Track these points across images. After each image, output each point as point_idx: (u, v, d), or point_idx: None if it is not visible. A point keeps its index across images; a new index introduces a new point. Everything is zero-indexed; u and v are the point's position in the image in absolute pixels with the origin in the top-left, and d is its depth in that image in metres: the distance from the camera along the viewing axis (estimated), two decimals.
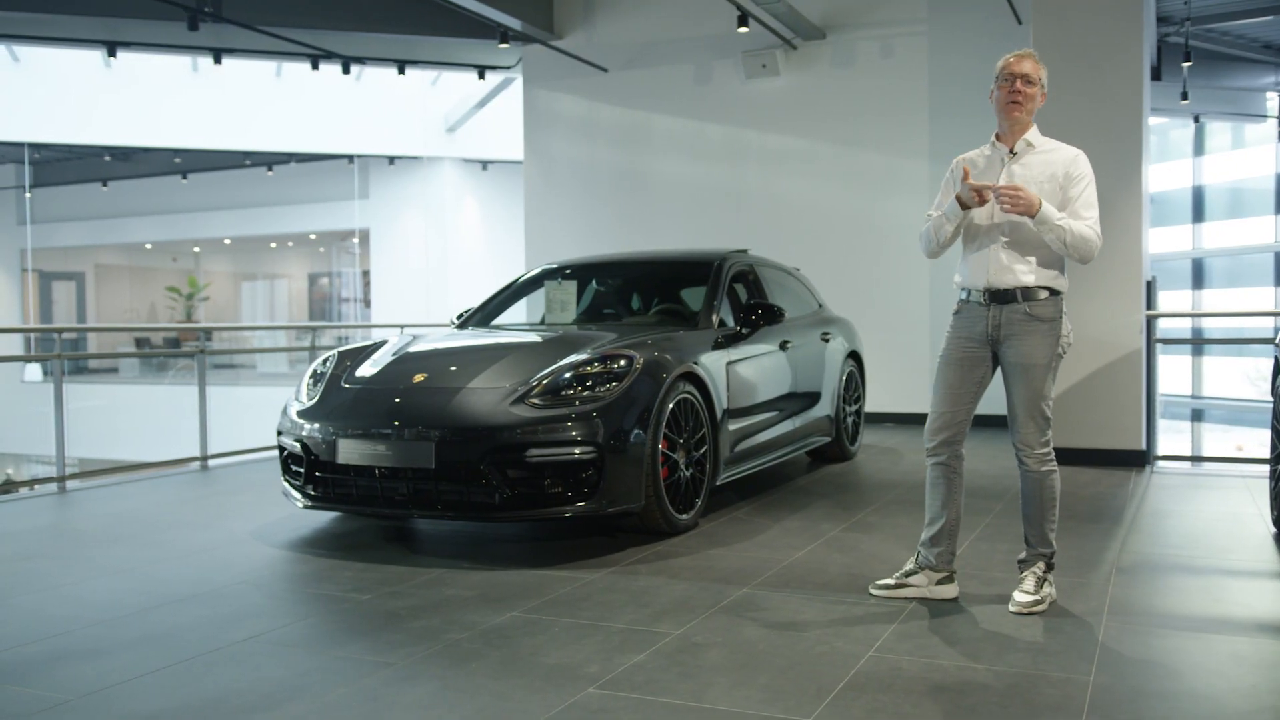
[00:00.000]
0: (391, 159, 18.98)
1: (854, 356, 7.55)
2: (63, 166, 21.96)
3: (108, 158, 19.71)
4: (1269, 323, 16.07)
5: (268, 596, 3.99)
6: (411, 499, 4.57)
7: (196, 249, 27.65)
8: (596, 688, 2.88)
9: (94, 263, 27.24)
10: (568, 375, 4.66)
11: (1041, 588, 3.64)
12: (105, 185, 21.76)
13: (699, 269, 6.26)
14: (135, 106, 16.55)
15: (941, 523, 3.78)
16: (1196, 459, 8.62)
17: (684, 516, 4.93)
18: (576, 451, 4.44)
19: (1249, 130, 16.51)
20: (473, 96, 16.94)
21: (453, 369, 4.93)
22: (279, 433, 5.16)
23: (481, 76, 12.20)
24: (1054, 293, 3.61)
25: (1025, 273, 3.61)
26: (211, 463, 7.80)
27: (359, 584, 4.08)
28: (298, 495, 4.95)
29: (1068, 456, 7.08)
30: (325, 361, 5.40)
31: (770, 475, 6.65)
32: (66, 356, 7.45)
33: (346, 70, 11.20)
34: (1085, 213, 3.55)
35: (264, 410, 12.51)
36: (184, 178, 20.90)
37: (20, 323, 23.08)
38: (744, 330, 5.81)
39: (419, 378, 4.87)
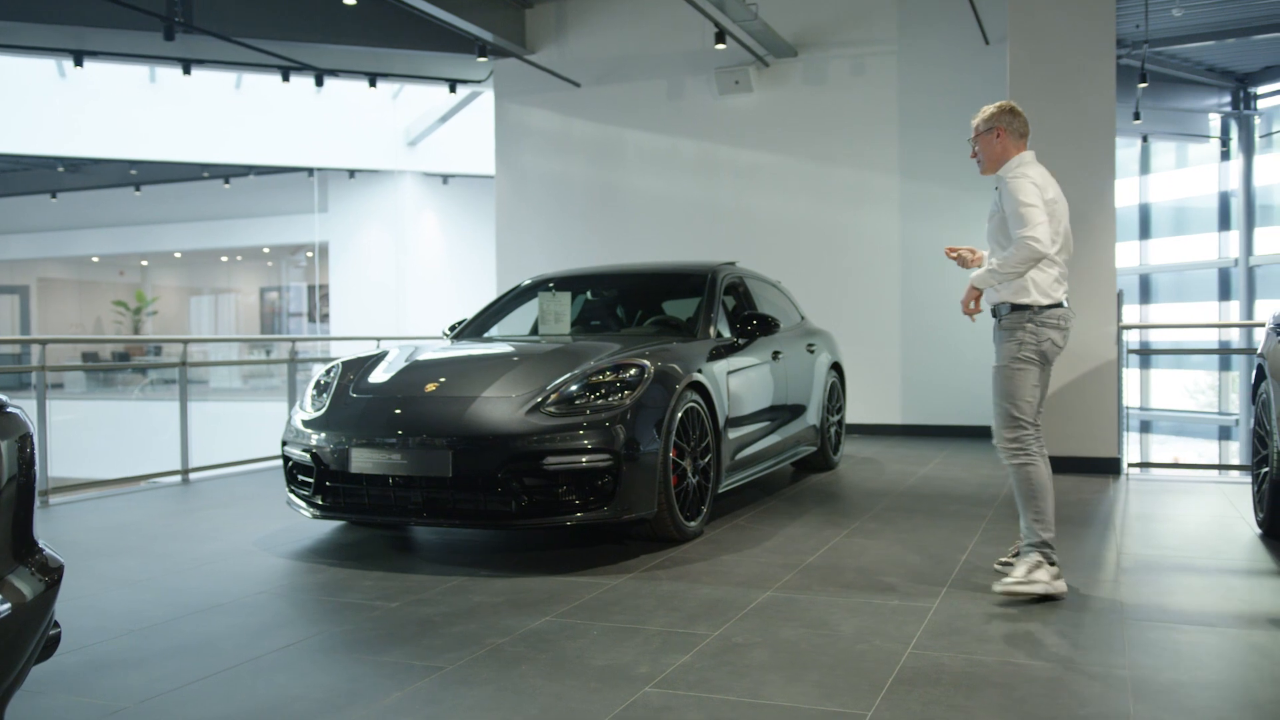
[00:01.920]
0: (351, 172, 18.87)
1: (836, 368, 7.69)
2: (10, 178, 21.49)
3: (61, 169, 19.35)
4: (1214, 335, 16.60)
5: (292, 606, 3.98)
6: (426, 507, 4.59)
7: (144, 262, 27.20)
8: (652, 686, 2.94)
9: (37, 276, 26.70)
10: (581, 384, 4.72)
11: (1032, 572, 3.80)
12: (54, 197, 21.34)
13: (691, 280, 6.35)
14: (91, 118, 16.29)
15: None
16: (1166, 465, 8.88)
17: (692, 524, 5.00)
18: (592, 460, 4.49)
19: (1192, 150, 17.06)
20: (435, 110, 16.93)
21: (464, 379, 4.95)
22: (284, 443, 5.14)
23: (453, 90, 12.22)
24: (1015, 307, 3.96)
25: (994, 293, 4.06)
26: (192, 476, 7.71)
27: (382, 592, 4.09)
28: (305, 506, 4.93)
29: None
30: (329, 372, 5.39)
31: (761, 485, 6.74)
32: (51, 369, 7.33)
33: (320, 83, 11.16)
34: (1014, 232, 3.88)
35: (228, 425, 12.35)
36: (137, 189, 20.57)
37: None
38: (740, 341, 5.91)
39: (431, 387, 4.89)
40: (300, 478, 5.02)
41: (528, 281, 6.82)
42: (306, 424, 5.00)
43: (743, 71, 10.43)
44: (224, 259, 26.13)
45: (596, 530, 5.13)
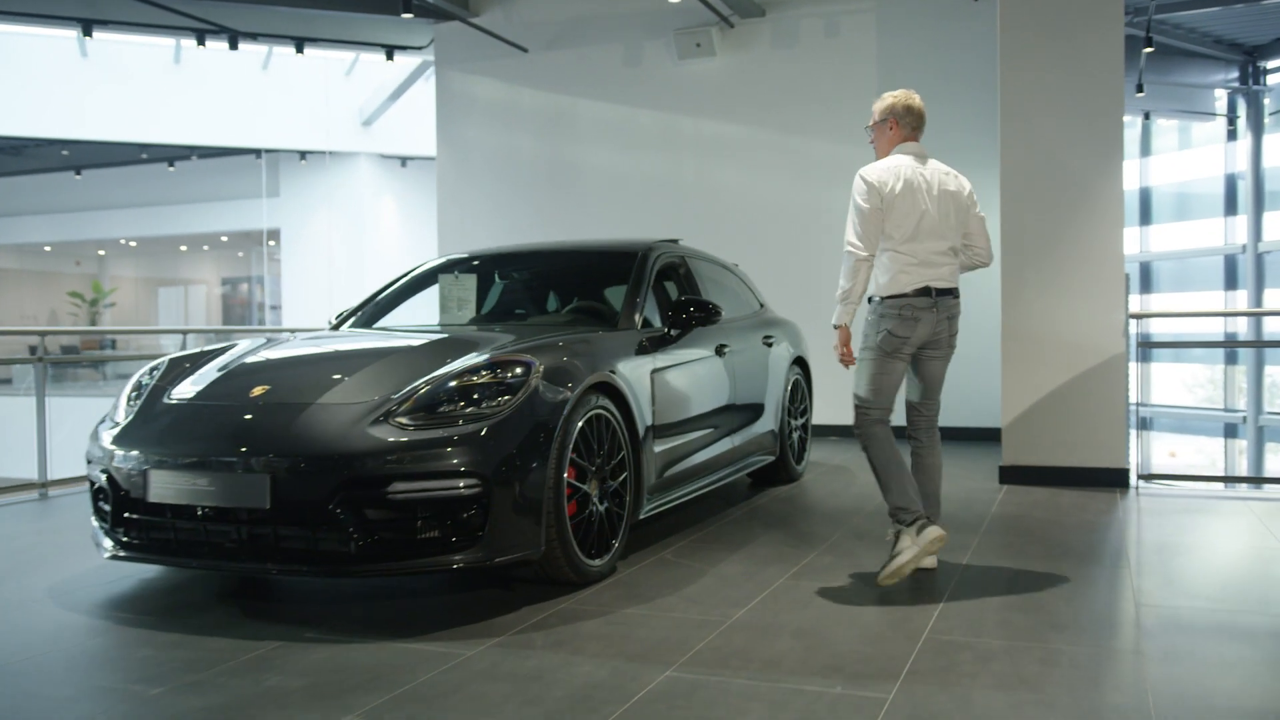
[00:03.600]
0: (303, 154, 17.76)
1: (800, 363, 6.65)
2: None
3: None
4: (1219, 325, 15.57)
5: (25, 691, 2.93)
6: (243, 548, 3.54)
7: (101, 252, 26.06)
8: None
9: None
10: (449, 387, 3.67)
11: (894, 548, 3.88)
12: None
13: (621, 261, 5.28)
14: (18, 93, 15.16)
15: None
16: (1180, 477, 7.86)
17: (596, 563, 3.96)
18: (456, 485, 3.45)
19: (1196, 129, 16.04)
20: (389, 87, 15.84)
21: (305, 380, 3.90)
22: (88, 461, 4.08)
23: (390, 57, 11.13)
24: (871, 298, 4.11)
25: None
26: (55, 490, 6.64)
27: (156, 669, 3.04)
28: (107, 542, 3.88)
29: (1042, 476, 6.26)
30: (153, 370, 4.33)
31: (704, 503, 5.70)
32: (50, 360, 6.51)
33: (234, 46, 10.04)
34: None
35: None
36: (77, 174, 19.42)
37: None
38: (673, 332, 4.87)
39: (259, 391, 3.83)
40: (101, 505, 3.97)
41: (436, 262, 5.77)
42: (112, 438, 3.94)
43: (705, 33, 9.36)
44: (183, 247, 25.00)
45: (480, 570, 4.08)
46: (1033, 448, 6.34)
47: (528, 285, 5.71)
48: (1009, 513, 5.38)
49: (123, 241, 24.34)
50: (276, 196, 18.39)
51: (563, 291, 5.54)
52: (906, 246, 3.96)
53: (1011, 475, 6.36)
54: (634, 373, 4.36)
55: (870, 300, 4.09)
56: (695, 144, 9.63)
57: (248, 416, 3.67)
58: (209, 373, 4.11)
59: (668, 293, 5.44)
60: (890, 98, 4.21)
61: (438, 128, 10.75)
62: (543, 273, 5.76)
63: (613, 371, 4.14)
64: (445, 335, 4.48)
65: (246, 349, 4.40)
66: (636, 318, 4.76)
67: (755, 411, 5.91)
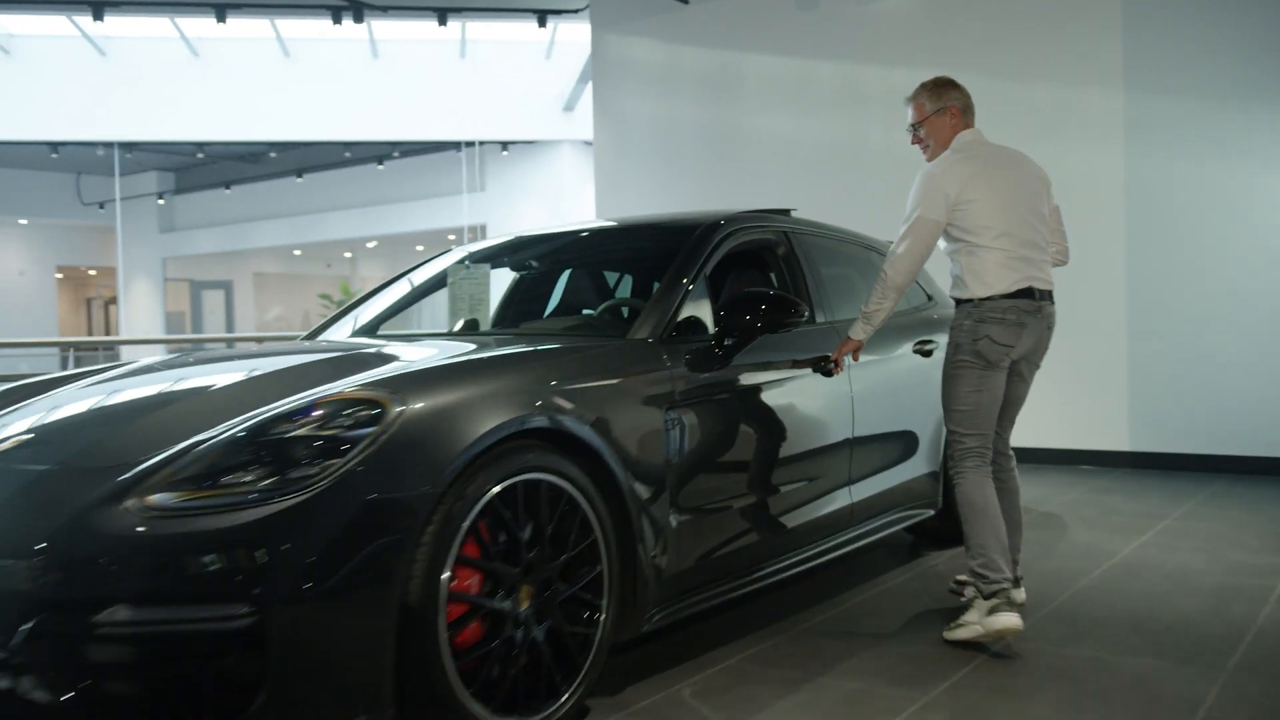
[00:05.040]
0: (505, 145, 17.04)
1: None
2: (199, 171, 21.32)
3: (243, 160, 18.73)
4: None
5: None
6: None
7: (348, 254, 26.82)
8: None
9: (253, 270, 26.77)
10: (237, 440, 2.27)
11: (966, 614, 3.26)
12: (229, 189, 20.93)
13: (678, 243, 3.68)
14: (223, 98, 15.29)
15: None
16: None
17: None
18: (215, 614, 2.05)
19: None
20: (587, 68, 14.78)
21: (78, 429, 2.62)
22: None
23: (542, 24, 9.98)
24: (959, 302, 3.48)
25: (949, 287, 3.57)
26: None
27: None
28: None
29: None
30: None
31: (808, 581, 4.03)
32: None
33: (359, 19, 9.17)
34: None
35: None
36: (299, 177, 19.69)
37: (164, 333, 22.63)
38: (726, 343, 3.25)
39: (9, 445, 2.58)
40: None
41: (459, 253, 4.39)
42: None
43: None
44: (419, 246, 25.24)
45: None
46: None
47: (554, 279, 4.24)
48: None
49: (368, 244, 24.87)
50: (482, 191, 17.81)
51: (598, 286, 4.04)
52: (1002, 241, 3.36)
53: None
54: (627, 410, 2.81)
55: (961, 303, 3.44)
56: (885, 99, 7.77)
57: None
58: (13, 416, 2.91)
59: (764, 282, 3.84)
60: (943, 82, 3.59)
61: (594, 100, 9.48)
62: (580, 261, 4.27)
63: (572, 411, 2.61)
64: (341, 353, 3.09)
65: (101, 374, 3.19)
66: (660, 323, 3.16)
67: (898, 448, 4.19)
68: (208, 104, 15.29)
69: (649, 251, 3.98)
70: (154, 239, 22.51)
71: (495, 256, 4.21)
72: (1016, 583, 3.59)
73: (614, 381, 2.85)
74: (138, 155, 18.96)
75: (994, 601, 3.18)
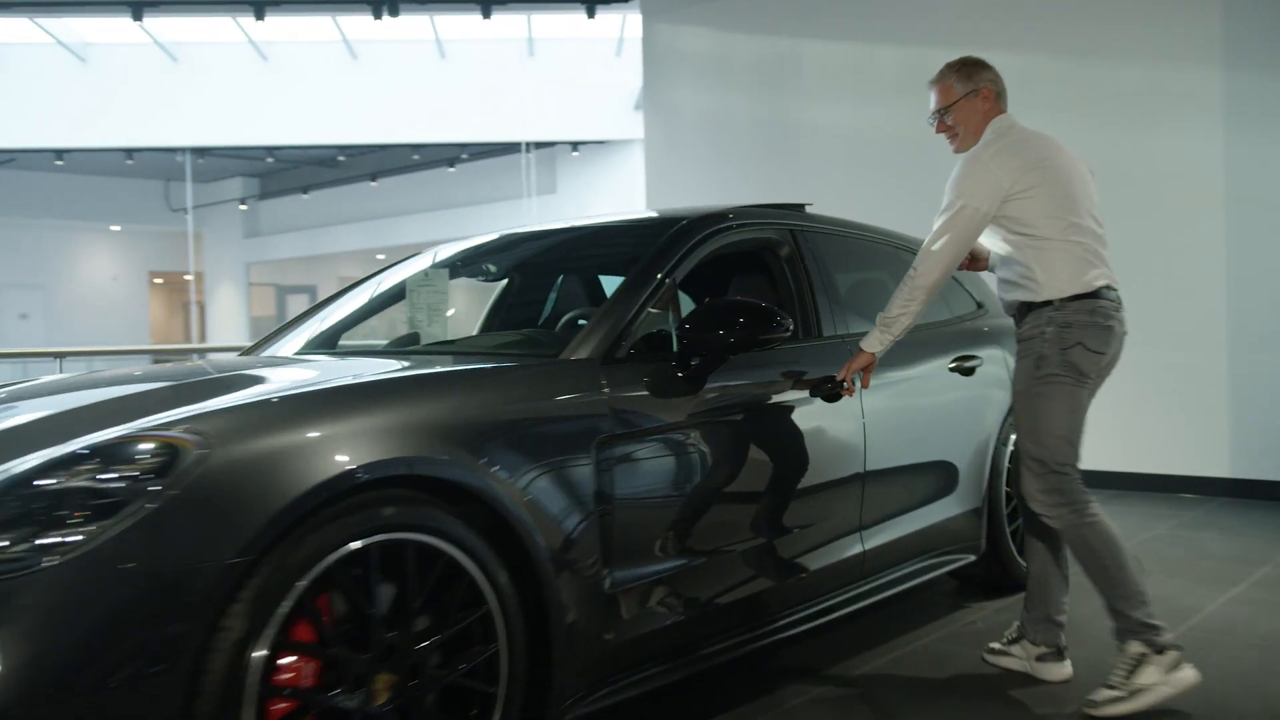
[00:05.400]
0: (575, 145, 16.64)
1: None
2: (280, 176, 21.45)
3: (330, 163, 18.71)
4: None
5: None
6: None
7: None
8: None
9: (338, 275, 26.93)
10: (13, 495, 1.79)
11: (1135, 675, 2.69)
12: (306, 194, 20.99)
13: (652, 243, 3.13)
14: (293, 102, 15.27)
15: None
16: None
17: None
18: None
19: None
20: None
21: None
22: None
23: (591, 14, 9.48)
24: (1030, 307, 2.90)
25: (1006, 292, 3.03)
26: None
27: None
28: None
29: None
30: None
31: (813, 640, 3.42)
32: None
33: (395, 12, 8.81)
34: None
35: None
36: (373, 180, 19.60)
37: (249, 338, 22.85)
38: (691, 364, 2.68)
39: None
40: None
41: (420, 260, 3.88)
42: None
43: None
44: None
45: None
46: None
47: (519, 286, 3.73)
48: None
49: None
50: (553, 193, 17.44)
51: (567, 294, 3.52)
52: (1072, 234, 2.88)
53: None
54: (544, 447, 2.28)
55: (1033, 307, 2.90)
56: None
57: None
58: None
59: (761, 292, 3.29)
60: (973, 62, 3.18)
61: (645, 95, 8.98)
62: (550, 266, 3.75)
63: (457, 451, 2.10)
64: (192, 378, 2.60)
65: None
66: (606, 340, 2.60)
67: (929, 484, 3.57)
68: (278, 108, 15.30)
69: (625, 256, 3.43)
70: (238, 244, 22.75)
71: (467, 260, 3.72)
72: (1060, 654, 2.99)
73: (527, 413, 2.32)
74: (222, 161, 19.13)
75: (1173, 654, 2.73)
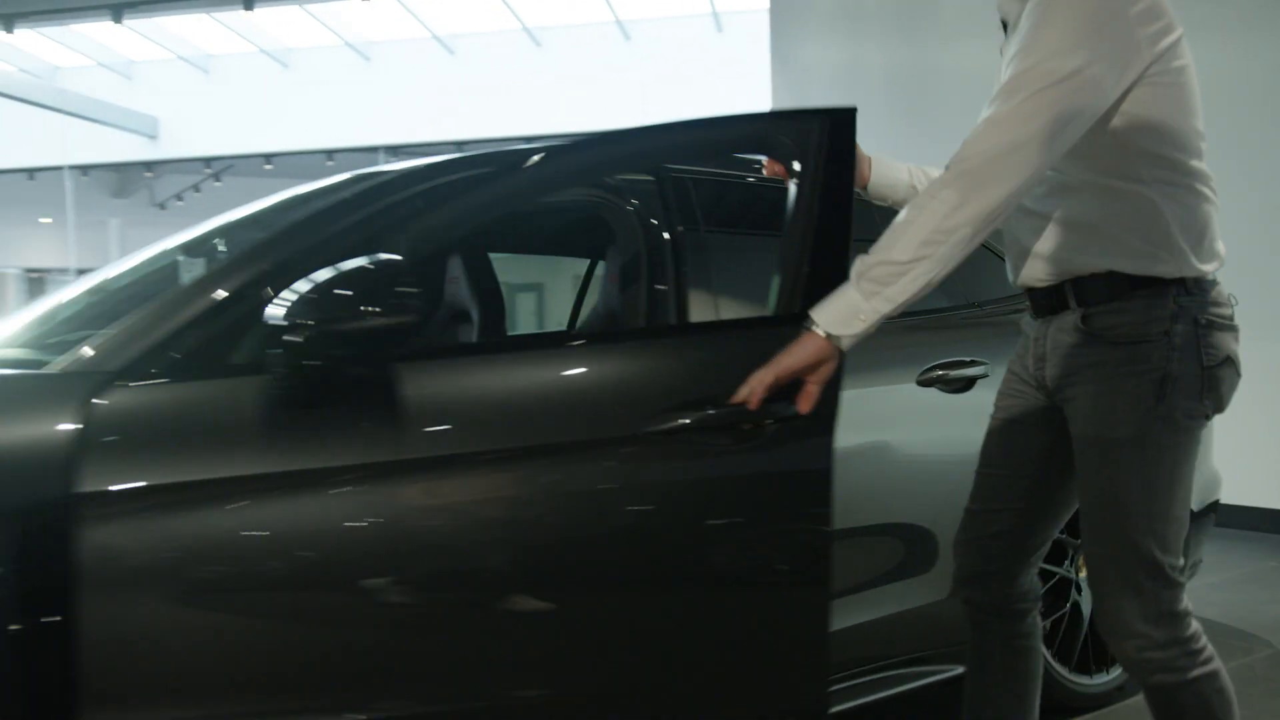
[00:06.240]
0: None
1: None
2: None
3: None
4: None
5: None
6: None
7: None
8: None
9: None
10: None
11: None
12: None
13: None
14: (476, 96, 15.23)
15: None
16: None
17: None
18: None
19: None
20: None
21: None
22: None
23: None
24: (1136, 284, 1.59)
25: (1075, 253, 1.64)
26: None
27: None
28: None
29: None
30: None
31: None
32: None
33: None
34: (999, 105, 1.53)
35: None
36: None
37: None
38: (304, 379, 1.62)
39: None
40: None
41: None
42: None
43: None
44: None
45: None
46: None
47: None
48: None
49: None
50: None
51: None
52: (1205, 180, 1.60)
53: None
54: None
55: (1153, 285, 1.57)
56: None
57: None
58: None
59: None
60: None
61: (772, 50, 7.98)
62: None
63: None
64: None
65: None
66: (125, 351, 1.60)
67: (889, 558, 2.38)
68: (463, 103, 15.29)
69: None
70: None
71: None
72: None
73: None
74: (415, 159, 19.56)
75: None
